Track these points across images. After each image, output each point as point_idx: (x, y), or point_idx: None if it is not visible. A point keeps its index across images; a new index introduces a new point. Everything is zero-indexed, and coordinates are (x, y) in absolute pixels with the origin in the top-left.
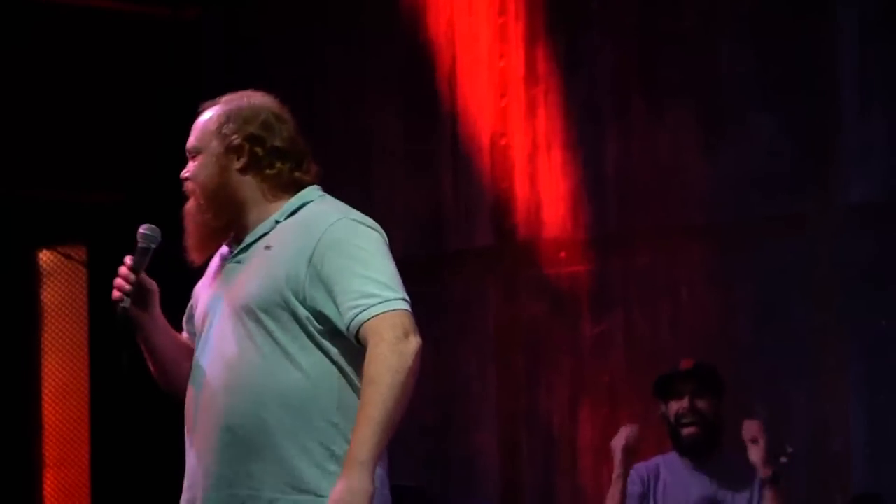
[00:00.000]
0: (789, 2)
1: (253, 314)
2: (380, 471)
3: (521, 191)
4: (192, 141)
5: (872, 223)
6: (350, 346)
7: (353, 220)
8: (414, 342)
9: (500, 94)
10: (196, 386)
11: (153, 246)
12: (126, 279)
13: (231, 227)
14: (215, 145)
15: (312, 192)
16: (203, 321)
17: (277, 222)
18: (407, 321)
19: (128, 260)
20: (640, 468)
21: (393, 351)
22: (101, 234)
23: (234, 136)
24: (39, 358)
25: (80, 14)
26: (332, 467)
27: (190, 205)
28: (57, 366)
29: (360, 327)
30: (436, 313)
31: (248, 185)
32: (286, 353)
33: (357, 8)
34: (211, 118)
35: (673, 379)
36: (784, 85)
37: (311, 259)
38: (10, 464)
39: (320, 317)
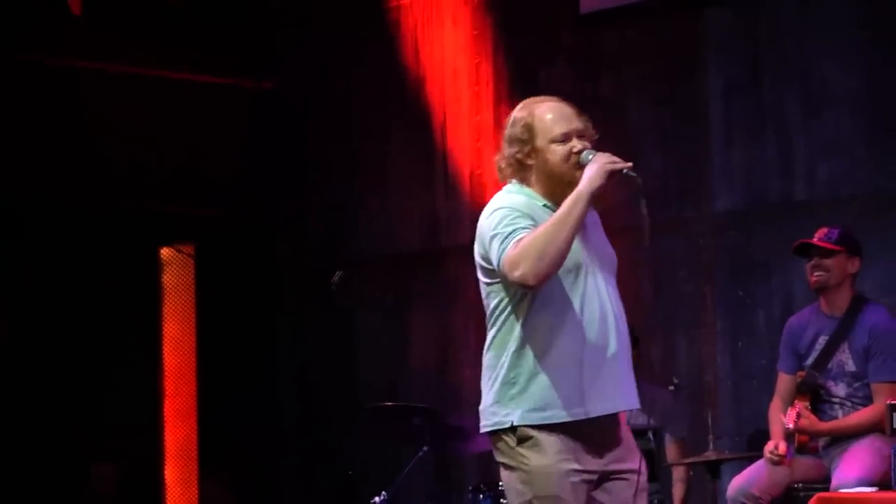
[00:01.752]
0: (676, 69)
1: (607, 274)
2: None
3: None
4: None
5: (734, 224)
6: None
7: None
8: None
9: (477, 139)
10: (586, 323)
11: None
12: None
13: None
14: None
15: None
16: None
17: None
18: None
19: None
20: None
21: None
22: (205, 237)
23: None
24: (160, 322)
25: (196, 85)
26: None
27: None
28: (173, 328)
29: None
30: (435, 288)
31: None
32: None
33: (382, 81)
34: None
35: None
36: (673, 129)
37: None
38: (140, 395)
39: None
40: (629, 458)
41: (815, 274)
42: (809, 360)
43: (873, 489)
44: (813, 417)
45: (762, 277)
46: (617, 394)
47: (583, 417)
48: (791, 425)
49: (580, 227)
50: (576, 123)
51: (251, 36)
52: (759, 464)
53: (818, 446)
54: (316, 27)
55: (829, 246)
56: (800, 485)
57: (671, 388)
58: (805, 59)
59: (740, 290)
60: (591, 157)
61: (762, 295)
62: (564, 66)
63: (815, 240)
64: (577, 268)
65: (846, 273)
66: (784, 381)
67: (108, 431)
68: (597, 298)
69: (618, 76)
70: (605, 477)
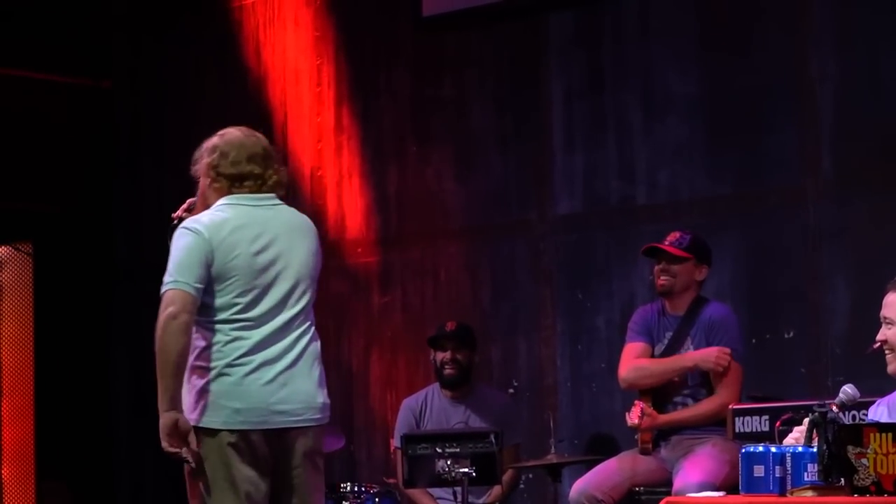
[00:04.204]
0: (518, 73)
1: None
2: None
3: (331, 206)
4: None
5: (574, 227)
6: (199, 310)
7: (184, 225)
8: (168, 311)
9: (318, 139)
10: None
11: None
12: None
13: None
14: (202, 168)
15: (222, 201)
16: None
17: None
18: (169, 297)
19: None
20: (412, 401)
21: (159, 321)
22: (43, 235)
23: (206, 163)
24: None
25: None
26: (187, 395)
27: None
28: (11, 326)
29: None
30: None
31: (212, 196)
32: None
33: (222, 81)
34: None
35: (440, 336)
36: (514, 133)
37: None
38: None
39: None
40: None
41: (662, 278)
42: (655, 356)
43: (720, 493)
44: (654, 413)
45: (602, 280)
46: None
47: None
48: (636, 420)
49: None
50: None
51: (90, 34)
52: (601, 466)
53: (657, 447)
54: (157, 26)
55: (677, 252)
56: (641, 488)
57: (511, 391)
58: (645, 64)
59: (580, 292)
60: None
61: (602, 298)
62: (406, 68)
63: (665, 244)
64: None
65: (692, 279)
66: (638, 348)
67: None
68: None
69: (459, 79)
70: None
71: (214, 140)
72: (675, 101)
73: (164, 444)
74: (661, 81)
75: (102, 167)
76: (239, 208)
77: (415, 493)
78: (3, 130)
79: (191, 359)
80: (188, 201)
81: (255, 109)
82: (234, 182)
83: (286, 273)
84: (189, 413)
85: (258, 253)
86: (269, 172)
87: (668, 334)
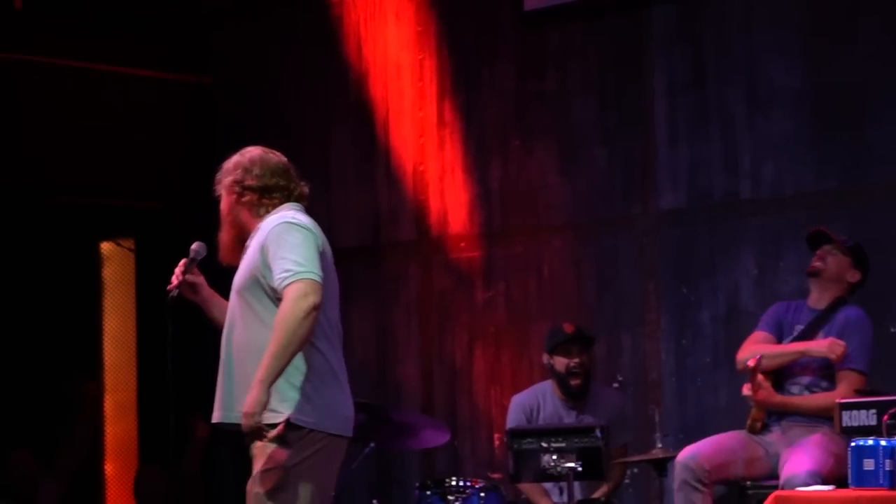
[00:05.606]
0: (620, 67)
1: (239, 294)
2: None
3: (433, 201)
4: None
5: (677, 222)
6: None
7: (285, 221)
8: (310, 300)
9: (420, 135)
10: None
11: (199, 258)
12: (177, 276)
13: (243, 239)
14: (225, 187)
15: (284, 208)
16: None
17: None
18: (307, 286)
19: (180, 265)
20: (522, 398)
21: (293, 305)
22: (145, 231)
23: (232, 181)
24: (101, 316)
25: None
26: (289, 392)
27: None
28: (114, 323)
29: (282, 291)
30: (375, 285)
31: (243, 212)
32: (257, 316)
33: (323, 77)
34: (223, 170)
35: (565, 341)
36: (618, 127)
37: (262, 250)
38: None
39: (271, 287)
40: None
41: (817, 262)
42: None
43: (830, 487)
44: (771, 389)
45: (706, 275)
46: (216, 406)
47: (216, 422)
48: (752, 363)
49: None
50: None
51: (191, 30)
52: (714, 440)
53: (765, 429)
54: (257, 21)
55: (841, 246)
56: (748, 482)
57: (615, 385)
58: (750, 57)
59: (684, 287)
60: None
61: (706, 292)
62: (508, 62)
63: (835, 235)
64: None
65: (843, 277)
66: (760, 336)
67: (50, 428)
68: (228, 319)
69: (562, 73)
70: None
71: (235, 158)
72: (780, 94)
73: (257, 418)
74: (765, 74)
75: (204, 164)
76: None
77: (530, 489)
78: (105, 128)
79: (301, 355)
80: (182, 262)
81: (356, 105)
82: (263, 193)
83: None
84: (296, 412)
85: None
86: (293, 185)
87: (799, 327)
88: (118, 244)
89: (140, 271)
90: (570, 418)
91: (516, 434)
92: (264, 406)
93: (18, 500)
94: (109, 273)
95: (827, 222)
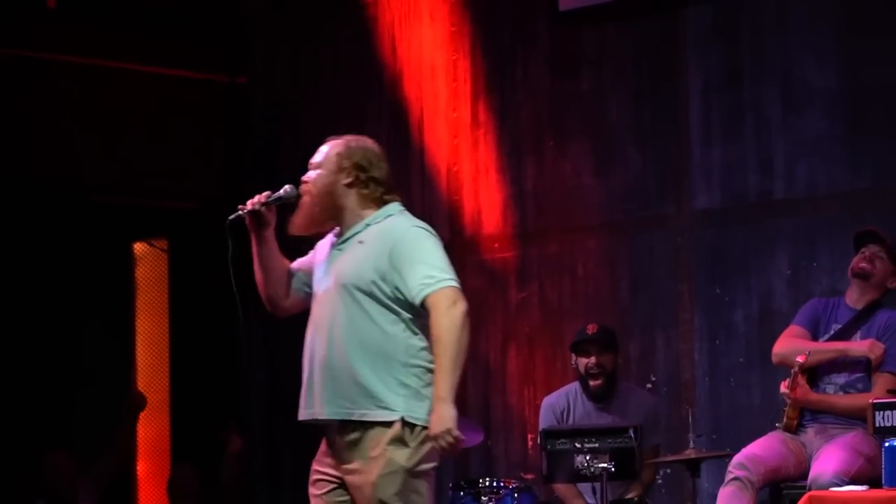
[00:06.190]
0: (655, 69)
1: (349, 289)
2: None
3: (467, 202)
4: (317, 158)
5: (712, 222)
6: (416, 310)
7: (417, 226)
8: (461, 307)
9: (454, 135)
10: (313, 336)
11: (284, 199)
12: (254, 203)
13: (329, 220)
14: (332, 164)
15: (394, 207)
16: (316, 287)
17: (368, 225)
18: (454, 293)
19: (263, 195)
20: (553, 399)
21: (446, 316)
22: (178, 231)
23: (345, 161)
24: (134, 316)
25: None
26: (401, 391)
27: (304, 198)
28: (146, 323)
29: (424, 298)
30: None
31: (348, 196)
32: (368, 315)
33: (357, 77)
34: (333, 145)
35: (582, 340)
36: (652, 127)
37: (390, 253)
38: (115, 385)
39: (397, 291)
40: (359, 470)
41: (864, 263)
42: (820, 341)
43: (864, 487)
44: (807, 388)
45: (740, 275)
46: (315, 402)
47: (308, 419)
48: (802, 360)
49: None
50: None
51: (226, 30)
52: (765, 442)
53: (801, 428)
54: (292, 22)
55: (890, 250)
56: (783, 484)
57: (649, 386)
58: (784, 57)
59: (718, 287)
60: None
61: (740, 293)
62: (542, 63)
63: (886, 237)
64: (319, 285)
65: (884, 282)
66: (796, 330)
67: (81, 427)
68: (327, 310)
69: (597, 73)
70: (343, 482)
71: (356, 142)
72: (814, 95)
73: (455, 434)
74: (799, 74)
75: (238, 164)
76: None
77: (563, 490)
78: (140, 127)
79: (404, 356)
80: (266, 193)
81: (390, 105)
82: (387, 191)
83: None
84: (409, 410)
85: None
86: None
87: (835, 326)
88: (151, 244)
89: (173, 272)
90: (599, 419)
91: (550, 435)
92: (455, 420)
93: (56, 501)
94: (142, 273)
95: (860, 222)
